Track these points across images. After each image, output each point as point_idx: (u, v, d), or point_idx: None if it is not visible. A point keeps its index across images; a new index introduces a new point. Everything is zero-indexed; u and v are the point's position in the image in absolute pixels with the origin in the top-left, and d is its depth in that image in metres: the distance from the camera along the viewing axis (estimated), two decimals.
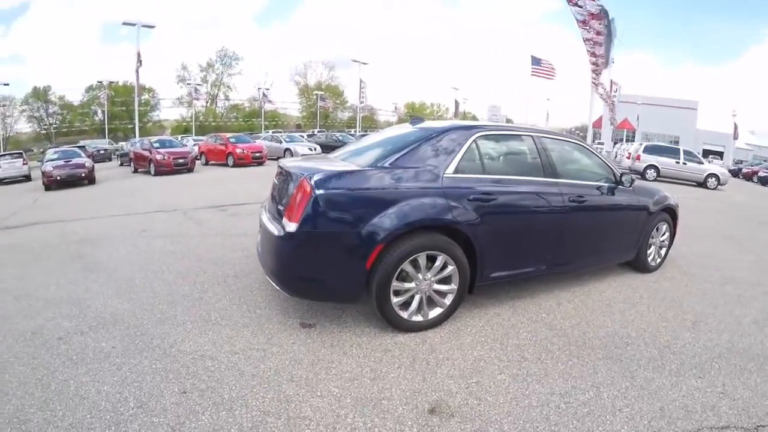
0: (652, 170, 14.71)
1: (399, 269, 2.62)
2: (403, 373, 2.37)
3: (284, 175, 2.99)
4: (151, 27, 25.45)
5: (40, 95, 45.49)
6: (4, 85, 31.68)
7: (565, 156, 3.66)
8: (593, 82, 13.98)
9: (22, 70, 66.54)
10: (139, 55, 23.39)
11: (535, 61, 21.48)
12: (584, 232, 3.49)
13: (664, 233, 4.22)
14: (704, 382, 2.35)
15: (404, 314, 2.75)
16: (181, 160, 14.83)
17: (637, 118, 31.84)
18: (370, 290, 2.63)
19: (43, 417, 1.90)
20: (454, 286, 2.82)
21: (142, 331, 2.72)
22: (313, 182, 2.52)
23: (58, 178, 12.69)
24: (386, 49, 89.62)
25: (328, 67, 58.71)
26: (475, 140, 2.99)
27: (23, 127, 45.04)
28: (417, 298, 2.76)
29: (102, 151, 26.76)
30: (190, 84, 47.35)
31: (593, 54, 13.63)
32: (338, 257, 2.57)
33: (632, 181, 3.76)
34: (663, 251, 4.27)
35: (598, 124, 32.23)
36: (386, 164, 2.75)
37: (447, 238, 2.72)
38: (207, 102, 53.79)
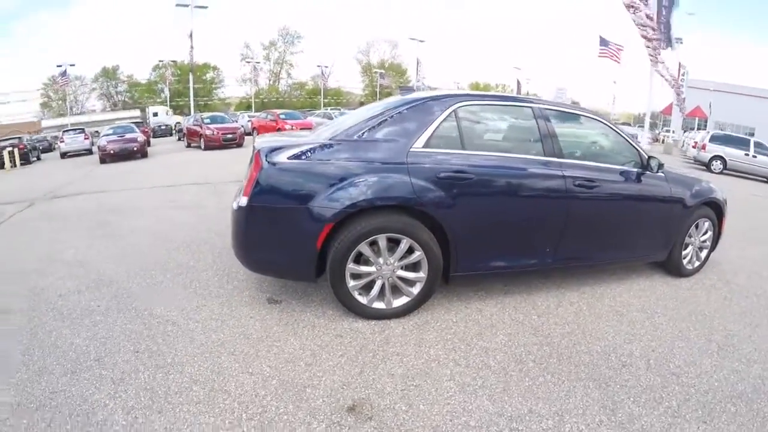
0: (718, 161, 13.35)
1: (356, 251, 2.38)
2: (343, 362, 2.16)
3: (253, 151, 2.85)
4: (204, 8, 26.23)
5: (109, 74, 47.62)
6: (71, 65, 34.36)
7: (577, 133, 3.16)
8: (651, 61, 12.07)
9: (92, 50, 72.18)
10: (191, 34, 24.34)
11: (603, 42, 19.51)
12: (597, 224, 2.98)
13: (706, 232, 3.53)
14: (707, 430, 1.84)
15: (363, 300, 2.50)
16: (229, 136, 15.32)
17: (710, 106, 28.73)
18: (327, 271, 2.42)
19: (21, 360, 2.16)
20: (422, 275, 2.51)
21: (129, 294, 2.91)
22: (263, 156, 2.39)
23: (111, 152, 13.56)
24: (452, 26, 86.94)
25: (392, 44, 57.67)
26: (454, 111, 2.61)
27: (94, 104, 48.64)
28: (378, 283, 2.50)
29: (163, 127, 29.21)
30: (250, 62, 48.91)
31: (642, 26, 11.56)
32: (288, 234, 2.39)
33: (660, 166, 3.14)
34: (703, 253, 3.59)
35: (668, 111, 29.47)
36: (352, 137, 2.51)
37: (411, 221, 2.41)
38: (270, 80, 55.47)
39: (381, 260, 2.44)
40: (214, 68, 51.41)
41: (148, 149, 15.54)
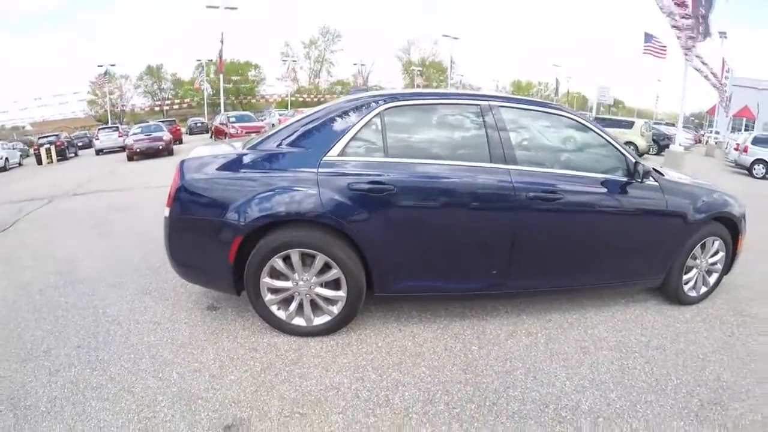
0: (761, 166, 12.88)
1: (269, 265, 2.41)
2: (244, 378, 2.22)
3: None
4: (233, 9, 26.61)
5: (153, 72, 50.96)
6: (111, 65, 39.33)
7: (540, 135, 2.91)
8: (684, 54, 10.67)
9: (136, 49, 78.27)
10: (222, 36, 25.19)
11: (648, 38, 18.27)
12: (562, 244, 2.71)
13: (716, 253, 3.12)
14: None
15: (282, 315, 2.53)
16: (252, 134, 15.92)
17: (757, 106, 28.07)
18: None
19: None
20: (342, 293, 2.47)
21: (93, 292, 3.26)
22: (180, 167, 2.52)
23: (138, 150, 14.86)
24: (494, 24, 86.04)
25: (432, 42, 57.92)
26: (380, 114, 2.52)
27: (139, 102, 51.28)
28: (297, 299, 2.51)
29: (199, 124, 31.58)
30: (286, 61, 50.69)
31: (671, 14, 10.23)
32: (204, 246, 2.49)
33: (646, 173, 2.79)
34: (712, 278, 3.19)
35: (713, 111, 28.57)
36: (271, 146, 2.54)
37: (324, 236, 2.38)
38: (310, 77, 57.75)
39: (296, 276, 2.44)
40: (256, 66, 53.58)
41: (179, 146, 16.97)
